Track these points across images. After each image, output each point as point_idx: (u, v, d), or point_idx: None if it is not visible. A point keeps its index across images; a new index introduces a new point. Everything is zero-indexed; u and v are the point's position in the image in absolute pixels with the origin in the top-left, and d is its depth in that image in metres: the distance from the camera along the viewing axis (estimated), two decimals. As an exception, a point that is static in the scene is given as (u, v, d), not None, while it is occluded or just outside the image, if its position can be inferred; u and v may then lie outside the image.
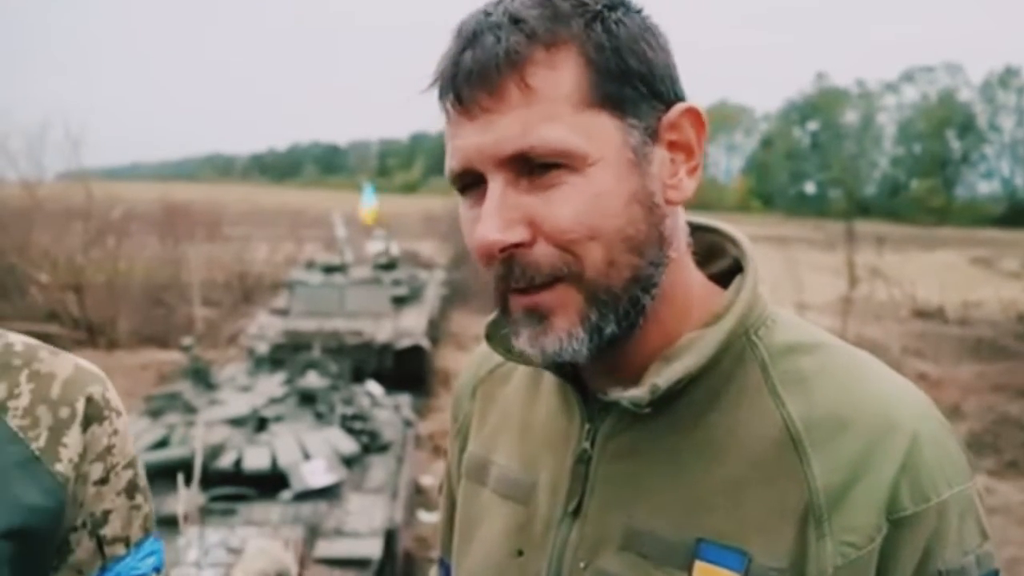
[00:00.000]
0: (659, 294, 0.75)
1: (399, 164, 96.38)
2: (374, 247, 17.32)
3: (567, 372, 0.82)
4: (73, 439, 0.88)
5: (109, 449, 0.91)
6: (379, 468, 7.14)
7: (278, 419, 7.62)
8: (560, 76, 0.70)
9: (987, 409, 11.49)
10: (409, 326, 12.83)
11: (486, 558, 0.87)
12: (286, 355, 10.60)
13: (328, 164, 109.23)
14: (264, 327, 12.67)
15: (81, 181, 20.10)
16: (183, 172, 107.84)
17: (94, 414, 0.90)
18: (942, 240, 37.89)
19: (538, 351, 0.73)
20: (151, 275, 19.45)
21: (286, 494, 6.26)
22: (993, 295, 19.97)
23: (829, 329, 0.84)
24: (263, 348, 11.28)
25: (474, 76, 0.69)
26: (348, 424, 7.77)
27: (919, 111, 65.84)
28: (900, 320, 18.84)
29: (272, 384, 8.77)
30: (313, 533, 5.81)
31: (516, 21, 0.70)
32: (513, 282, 0.72)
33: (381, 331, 12.41)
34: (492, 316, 0.84)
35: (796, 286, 16.29)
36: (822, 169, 64.49)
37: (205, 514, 5.69)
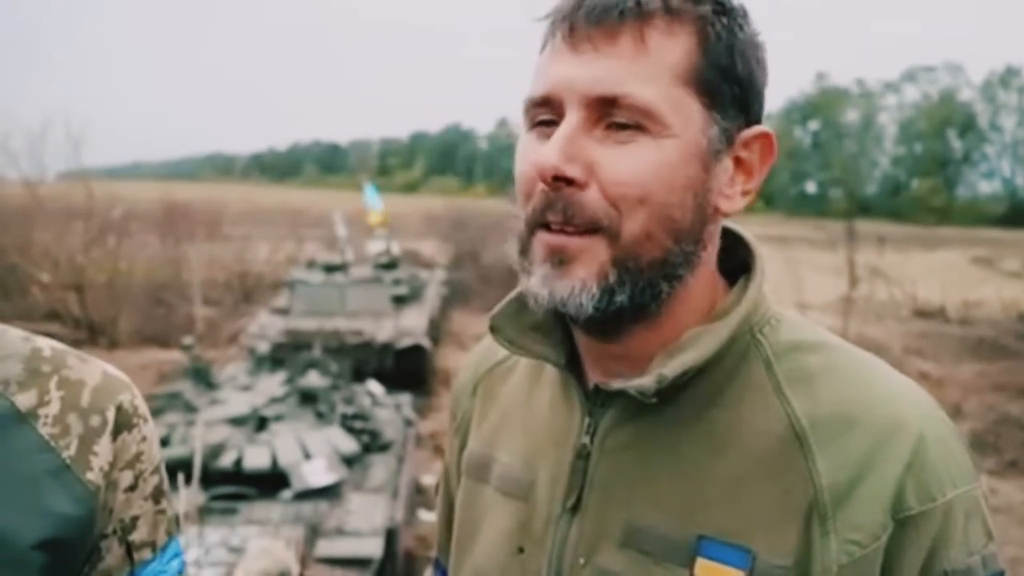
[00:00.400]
0: (679, 291, 0.75)
1: (400, 163, 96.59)
2: (375, 247, 17.35)
3: (568, 364, 0.82)
4: (104, 447, 0.87)
5: (138, 456, 0.91)
6: (380, 467, 7.15)
7: (278, 418, 7.63)
8: (673, 45, 0.72)
9: (988, 409, 11.50)
10: (410, 326, 12.84)
11: (489, 556, 0.87)
12: (287, 354, 10.61)
13: (329, 163, 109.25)
14: (265, 326, 12.68)
15: (82, 181, 20.19)
16: (184, 171, 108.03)
17: (124, 422, 0.90)
18: (943, 240, 37.89)
19: (547, 292, 0.73)
20: (152, 274, 19.49)
21: (287, 493, 6.27)
22: (994, 295, 20.00)
23: (830, 329, 0.85)
24: (264, 347, 11.29)
25: (596, 12, 0.72)
26: (349, 423, 7.77)
27: (920, 111, 65.80)
28: (901, 320, 18.87)
29: (272, 383, 8.78)
30: (314, 532, 5.82)
31: None
32: (551, 215, 0.72)
33: (382, 331, 12.41)
34: (497, 307, 0.84)
35: (797, 286, 16.30)
36: (823, 169, 64.42)
37: (206, 513, 5.70)
